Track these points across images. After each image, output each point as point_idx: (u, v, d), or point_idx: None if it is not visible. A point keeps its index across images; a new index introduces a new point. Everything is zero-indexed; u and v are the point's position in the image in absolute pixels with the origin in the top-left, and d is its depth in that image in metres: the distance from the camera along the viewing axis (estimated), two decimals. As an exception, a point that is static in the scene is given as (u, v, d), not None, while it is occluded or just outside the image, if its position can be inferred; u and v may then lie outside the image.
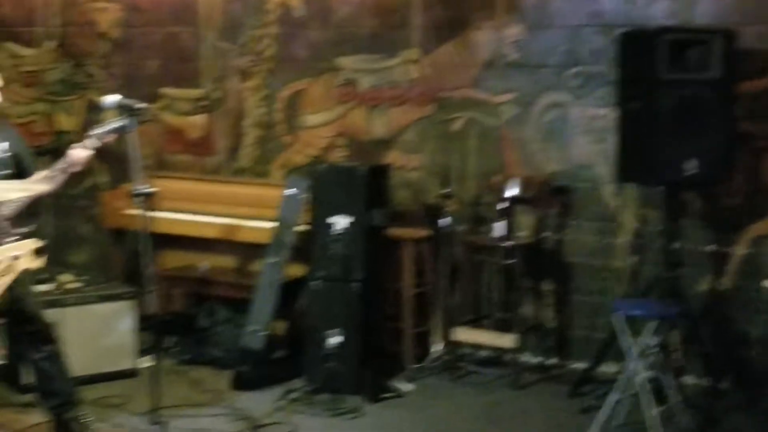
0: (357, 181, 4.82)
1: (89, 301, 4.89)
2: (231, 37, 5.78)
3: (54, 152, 5.60)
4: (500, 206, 5.03)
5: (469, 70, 5.27)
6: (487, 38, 5.21)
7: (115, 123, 3.92)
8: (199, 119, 5.95)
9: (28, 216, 4.02)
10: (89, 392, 4.39)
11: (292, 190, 5.05)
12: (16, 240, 3.74)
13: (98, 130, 3.96)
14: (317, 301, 4.85)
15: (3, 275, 1.93)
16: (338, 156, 5.55)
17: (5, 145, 4.01)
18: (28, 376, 4.29)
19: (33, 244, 2.00)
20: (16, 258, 1.95)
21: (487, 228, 5.20)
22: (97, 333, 4.86)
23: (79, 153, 3.91)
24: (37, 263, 2.00)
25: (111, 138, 3.98)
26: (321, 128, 5.63)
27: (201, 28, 5.84)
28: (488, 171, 5.27)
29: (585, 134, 5.06)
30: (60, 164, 3.93)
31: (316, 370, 4.76)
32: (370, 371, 4.76)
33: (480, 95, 5.27)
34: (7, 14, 6.38)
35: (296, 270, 5.06)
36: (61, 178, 3.95)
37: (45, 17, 6.27)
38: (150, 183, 3.98)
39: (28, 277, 3.81)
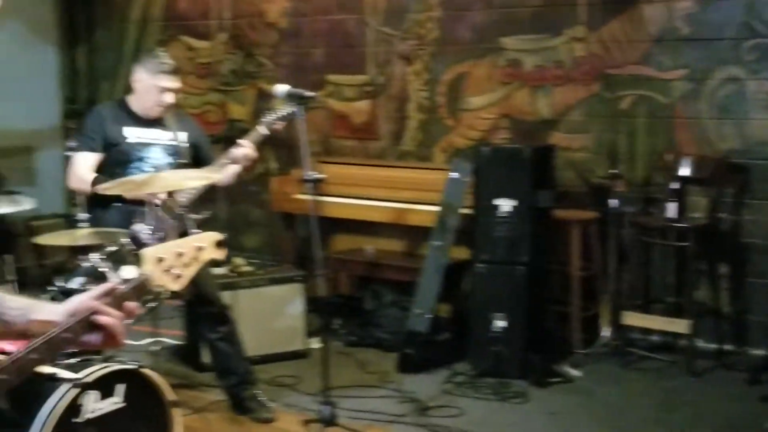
0: (522, 162, 4.76)
1: (261, 284, 5.04)
2: (394, 22, 5.82)
3: (227, 140, 5.84)
4: (672, 186, 4.85)
5: (638, 46, 5.09)
6: (657, 12, 5.02)
7: (283, 111, 4.07)
8: (364, 105, 6.02)
9: (205, 202, 4.22)
10: (262, 372, 4.54)
11: (456, 174, 5.04)
12: (197, 228, 3.96)
13: (267, 118, 4.13)
14: (482, 285, 4.83)
15: (188, 266, 2.01)
16: (501, 138, 5.49)
17: (184, 135, 4.22)
18: (206, 356, 4.49)
19: (216, 236, 2.07)
20: (200, 249, 2.02)
21: (658, 209, 5.02)
22: (269, 315, 5.01)
23: (243, 148, 4.08)
24: (219, 255, 2.07)
25: (279, 126, 4.13)
26: (484, 110, 5.59)
27: (365, 15, 5.90)
28: (659, 150, 5.08)
29: (763, 110, 4.79)
30: (226, 156, 4.11)
31: (481, 353, 4.75)
32: (536, 356, 4.71)
33: (650, 72, 5.08)
34: (183, 9, 6.66)
35: (460, 253, 5.06)
36: (231, 169, 4.12)
37: (218, 10, 6.51)
38: (318, 169, 4.07)
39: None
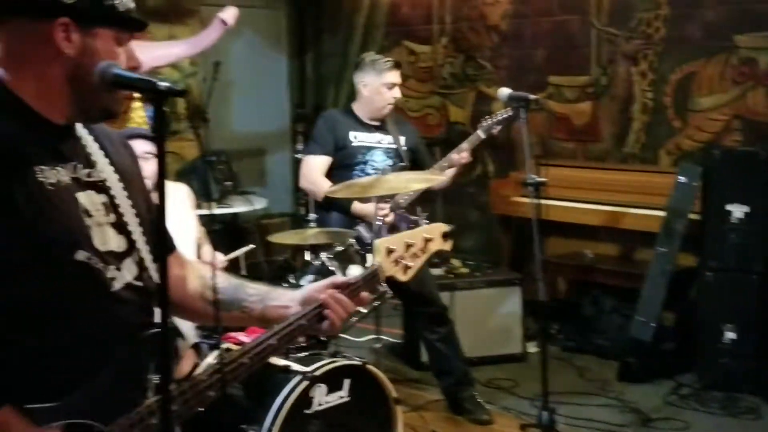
0: (757, 166, 4.50)
1: (478, 286, 5.06)
2: (620, 21, 5.65)
3: (446, 142, 5.91)
4: None
5: None
6: None
7: (501, 115, 4.12)
8: (585, 106, 5.90)
9: (422, 203, 4.31)
10: (477, 374, 4.55)
11: (684, 177, 4.84)
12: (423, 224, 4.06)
13: (485, 123, 4.18)
14: (710, 294, 4.61)
15: (417, 257, 2.06)
16: (734, 140, 5.21)
17: (403, 139, 4.32)
18: (425, 355, 4.56)
19: (443, 227, 2.11)
20: (428, 241, 2.07)
21: None
22: (486, 316, 5.02)
23: (461, 152, 4.15)
24: (446, 246, 2.11)
25: (498, 129, 4.17)
26: (714, 111, 5.32)
27: (589, 15, 5.78)
28: None
29: None
30: (445, 160, 4.18)
31: (708, 365, 4.54)
32: (769, 370, 4.44)
33: None
34: (406, 15, 6.80)
35: (687, 260, 4.85)
36: (449, 173, 4.18)
37: (439, 15, 6.60)
38: (538, 171, 4.03)
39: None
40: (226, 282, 1.99)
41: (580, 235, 5.62)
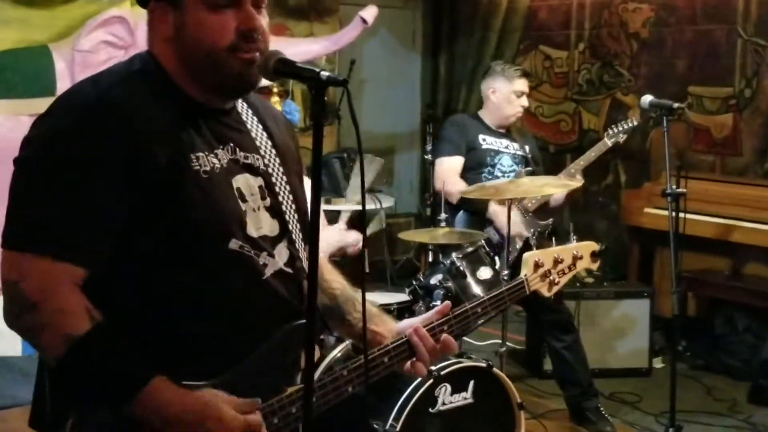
0: None
1: (604, 297, 4.96)
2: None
3: (578, 150, 5.82)
4: None
5: None
6: None
7: (628, 124, 4.14)
8: (726, 118, 5.70)
9: (548, 209, 4.29)
10: (600, 386, 4.44)
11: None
12: (542, 231, 4.05)
13: (612, 131, 4.21)
14: None
15: (564, 274, 2.04)
16: None
17: (527, 147, 4.35)
18: (548, 363, 4.50)
19: (593, 246, 2.08)
20: (576, 258, 2.05)
21: None
22: (611, 328, 4.92)
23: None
24: (594, 266, 2.08)
25: (623, 138, 4.18)
26: None
27: (736, 25, 5.58)
28: None
29: None
30: (576, 163, 4.17)
31: None
32: None
33: None
34: (544, 19, 6.71)
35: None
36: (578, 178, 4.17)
37: (578, 21, 6.49)
38: (677, 183, 3.93)
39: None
40: (339, 289, 1.96)
41: (715, 251, 5.42)
